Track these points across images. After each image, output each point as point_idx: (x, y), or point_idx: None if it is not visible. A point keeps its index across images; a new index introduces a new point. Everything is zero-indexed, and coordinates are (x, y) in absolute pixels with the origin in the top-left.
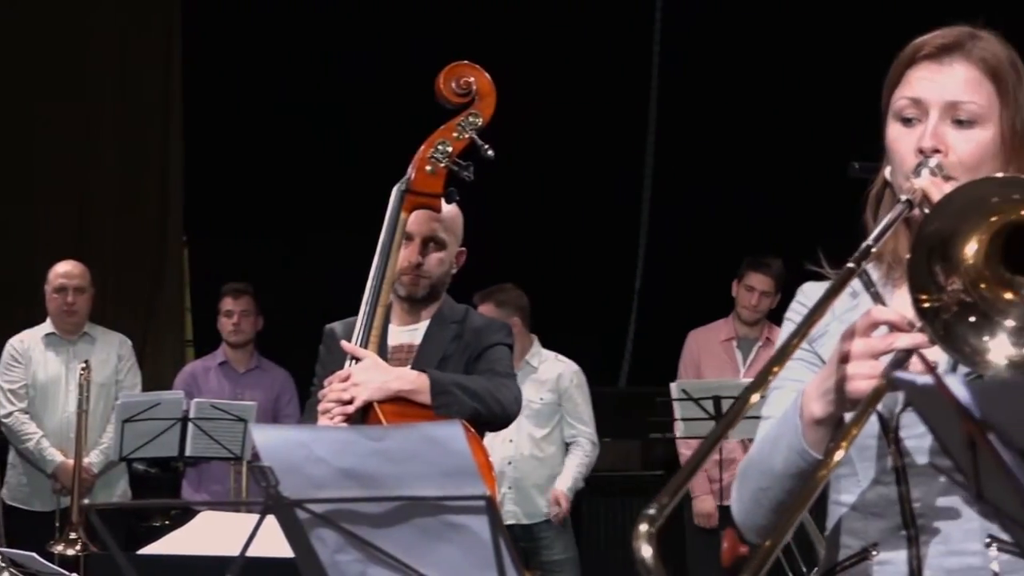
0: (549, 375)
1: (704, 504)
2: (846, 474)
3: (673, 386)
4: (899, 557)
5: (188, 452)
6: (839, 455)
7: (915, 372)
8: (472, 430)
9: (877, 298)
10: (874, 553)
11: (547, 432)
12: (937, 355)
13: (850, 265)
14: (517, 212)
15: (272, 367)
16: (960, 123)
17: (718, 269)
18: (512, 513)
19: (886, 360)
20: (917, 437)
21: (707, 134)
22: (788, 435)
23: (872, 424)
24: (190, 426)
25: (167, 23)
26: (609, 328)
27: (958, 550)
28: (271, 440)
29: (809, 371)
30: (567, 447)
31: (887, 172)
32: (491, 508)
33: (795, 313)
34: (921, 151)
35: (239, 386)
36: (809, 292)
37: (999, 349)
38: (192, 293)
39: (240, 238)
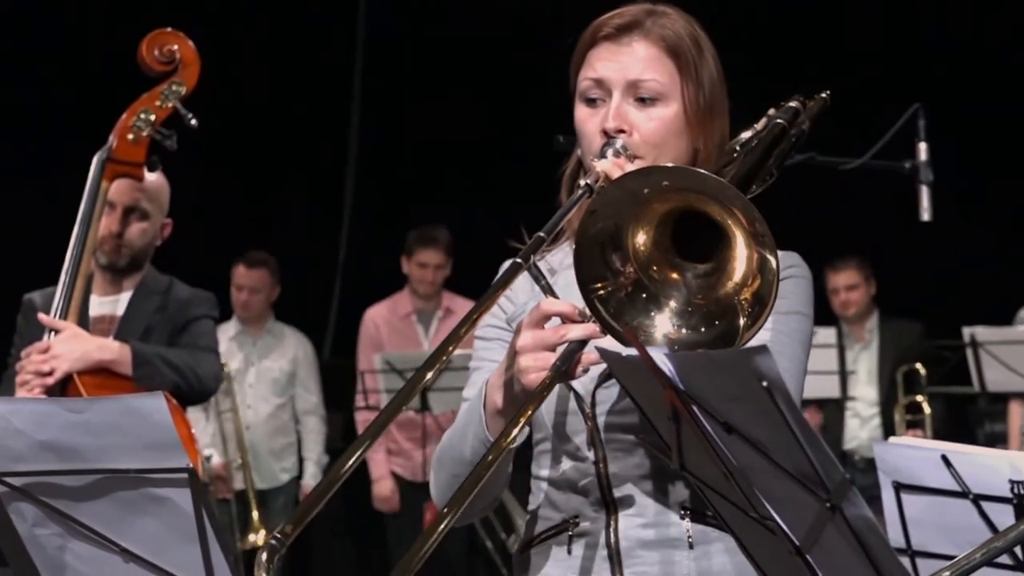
0: (287, 345)
1: (383, 487)
2: (545, 449)
3: (376, 358)
4: (597, 528)
5: None
6: (520, 432)
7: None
8: (174, 402)
9: (548, 290)
10: (573, 525)
11: (283, 401)
12: (609, 344)
13: (517, 260)
14: (223, 180)
15: None
16: (643, 101)
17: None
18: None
19: (560, 351)
20: (614, 412)
21: (412, 108)
22: (474, 424)
23: (569, 400)
24: None
25: None
26: (313, 299)
27: (654, 521)
28: None
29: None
30: (297, 419)
31: (579, 152)
32: (194, 480)
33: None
34: (605, 132)
35: None
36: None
37: (661, 327)
38: None
39: None
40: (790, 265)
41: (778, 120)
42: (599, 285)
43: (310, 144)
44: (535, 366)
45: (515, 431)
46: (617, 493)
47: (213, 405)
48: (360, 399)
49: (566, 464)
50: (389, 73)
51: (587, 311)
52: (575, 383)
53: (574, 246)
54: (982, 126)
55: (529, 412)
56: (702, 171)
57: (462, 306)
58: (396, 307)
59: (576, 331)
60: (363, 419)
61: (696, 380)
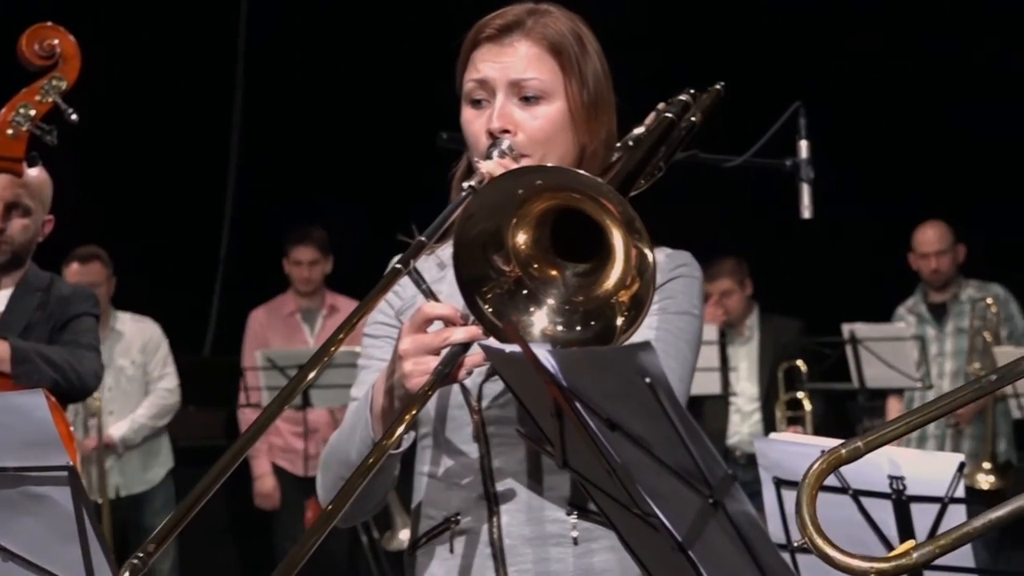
0: (135, 337)
1: (264, 484)
2: (429, 445)
3: (257, 354)
4: (481, 526)
5: None
6: (407, 433)
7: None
8: (54, 400)
9: (429, 294)
10: (456, 523)
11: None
12: (494, 343)
13: (397, 265)
14: (104, 176)
15: None
16: (527, 100)
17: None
18: (119, 483)
19: (444, 354)
20: (500, 407)
21: (293, 104)
22: (361, 427)
23: (455, 394)
24: None
25: None
26: (194, 295)
27: (539, 518)
28: None
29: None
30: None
31: (468, 153)
32: (74, 479)
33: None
34: (491, 133)
35: None
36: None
37: (539, 324)
38: None
39: None
40: (681, 264)
41: (667, 114)
42: (482, 286)
43: (192, 140)
44: (418, 370)
45: (399, 431)
46: (500, 488)
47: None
48: (243, 396)
49: (450, 459)
50: (271, 70)
51: (469, 313)
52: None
53: (453, 250)
54: (863, 124)
55: (412, 415)
56: (577, 170)
57: (346, 304)
58: (280, 307)
59: (458, 334)
60: (245, 418)
61: (579, 377)
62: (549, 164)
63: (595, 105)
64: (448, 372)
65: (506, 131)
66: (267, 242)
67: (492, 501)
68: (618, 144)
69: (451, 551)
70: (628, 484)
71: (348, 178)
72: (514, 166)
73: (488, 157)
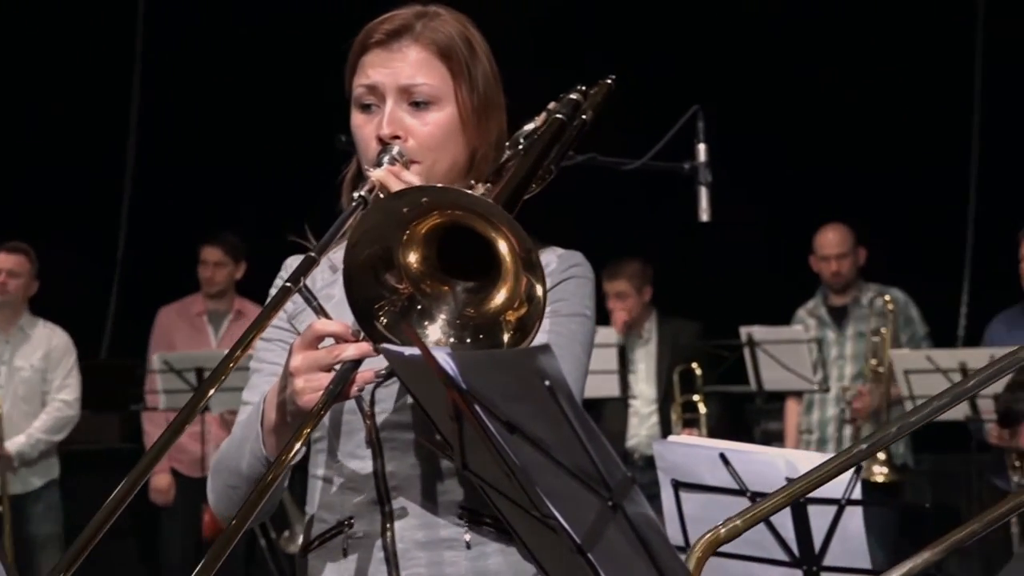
0: (41, 341)
1: (160, 480)
2: (323, 449)
3: (155, 358)
4: (374, 530)
5: None
6: (299, 448)
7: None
8: None
9: (320, 311)
10: (349, 527)
11: (38, 401)
12: (382, 363)
13: (286, 284)
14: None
15: None
16: (417, 105)
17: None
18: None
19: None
20: (392, 412)
21: (190, 105)
22: (251, 440)
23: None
24: None
25: None
26: (90, 297)
27: (432, 522)
28: None
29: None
30: None
31: (358, 158)
32: None
33: (275, 288)
34: (380, 139)
35: None
36: (290, 266)
37: (432, 336)
38: None
39: None
40: (573, 264)
41: (557, 115)
42: (375, 304)
43: (89, 140)
44: (309, 387)
45: (295, 448)
46: (394, 493)
47: None
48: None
49: (343, 463)
50: (168, 72)
51: (360, 330)
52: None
53: (344, 278)
54: (761, 127)
55: (306, 432)
56: (464, 190)
57: (253, 310)
58: (189, 306)
59: (349, 351)
60: (147, 422)
61: (478, 379)
62: (438, 173)
63: (485, 108)
64: (340, 390)
65: (396, 137)
66: (166, 244)
67: (385, 506)
68: (508, 143)
69: (344, 555)
70: (527, 486)
71: (248, 180)
72: (406, 173)
73: (378, 163)
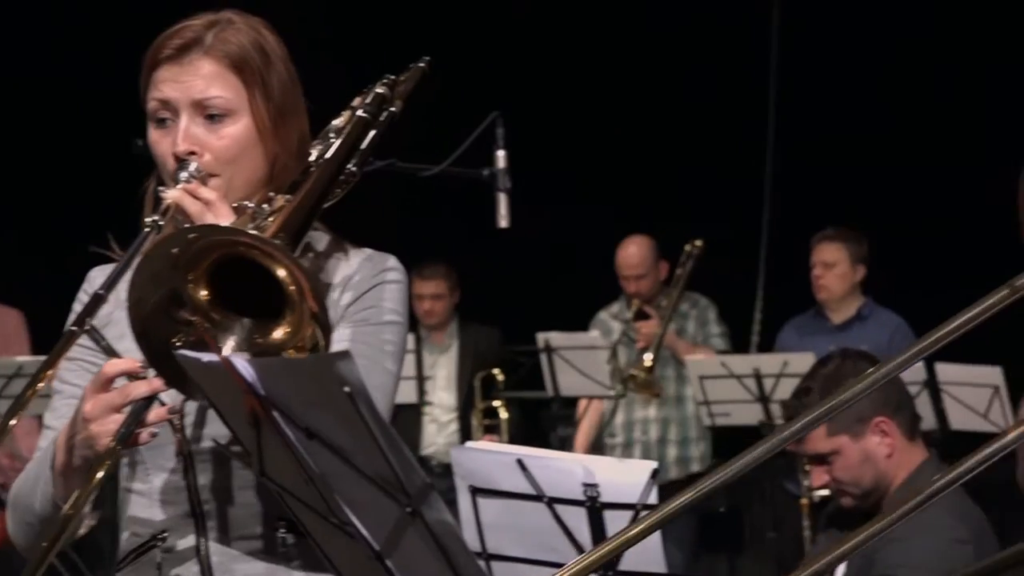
0: None
1: None
2: (135, 462)
3: None
4: (187, 544)
5: None
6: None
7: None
8: None
9: (110, 351)
10: (163, 540)
11: None
12: (176, 396)
13: (72, 327)
14: None
15: None
16: (212, 119)
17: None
18: None
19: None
20: (204, 422)
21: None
22: (43, 481)
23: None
24: None
25: None
26: None
27: (244, 534)
28: None
29: (90, 374)
30: None
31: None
32: None
33: (78, 302)
34: (176, 156)
35: None
36: (93, 278)
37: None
38: None
39: None
40: (386, 268)
41: (361, 113)
42: (171, 338)
43: None
44: (104, 431)
45: (88, 498)
46: (207, 506)
47: None
48: None
49: (154, 476)
50: None
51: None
52: (163, 395)
53: (134, 334)
54: (561, 133)
55: (98, 478)
56: (236, 227)
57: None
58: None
59: (140, 388)
60: None
61: (277, 385)
62: (238, 185)
63: (282, 116)
64: (130, 432)
65: (192, 152)
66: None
67: (199, 518)
68: (318, 138)
69: (159, 570)
70: (326, 493)
71: (36, 186)
72: (203, 190)
73: (176, 180)
